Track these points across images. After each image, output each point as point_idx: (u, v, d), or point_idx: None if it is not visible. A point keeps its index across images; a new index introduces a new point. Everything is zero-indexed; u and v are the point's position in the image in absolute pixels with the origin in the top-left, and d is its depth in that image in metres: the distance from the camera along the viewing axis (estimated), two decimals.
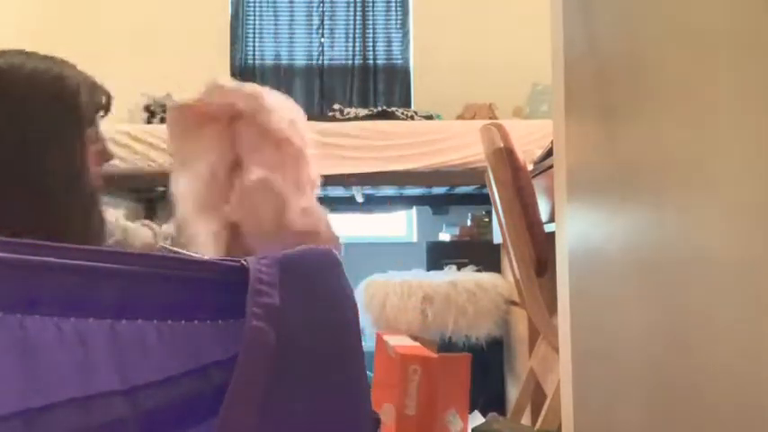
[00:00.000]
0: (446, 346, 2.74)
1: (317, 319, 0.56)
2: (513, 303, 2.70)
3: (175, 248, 0.97)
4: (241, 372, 0.51)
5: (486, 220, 3.55)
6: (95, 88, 1.02)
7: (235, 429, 0.51)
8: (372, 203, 3.88)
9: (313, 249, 0.59)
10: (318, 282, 0.58)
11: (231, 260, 0.56)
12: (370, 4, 4.31)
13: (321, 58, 4.30)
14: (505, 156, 1.61)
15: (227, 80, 1.14)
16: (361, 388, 0.58)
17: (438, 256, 3.40)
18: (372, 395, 1.55)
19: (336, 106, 3.72)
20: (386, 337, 1.57)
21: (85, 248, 0.52)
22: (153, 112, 3.40)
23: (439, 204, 3.99)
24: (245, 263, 0.55)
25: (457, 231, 3.66)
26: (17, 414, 0.46)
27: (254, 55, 4.27)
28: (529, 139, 2.78)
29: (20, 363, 0.47)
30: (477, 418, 1.67)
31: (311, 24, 4.31)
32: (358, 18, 4.30)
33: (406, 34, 4.31)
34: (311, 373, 0.55)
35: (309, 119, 3.46)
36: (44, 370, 0.48)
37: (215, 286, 0.55)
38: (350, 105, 3.95)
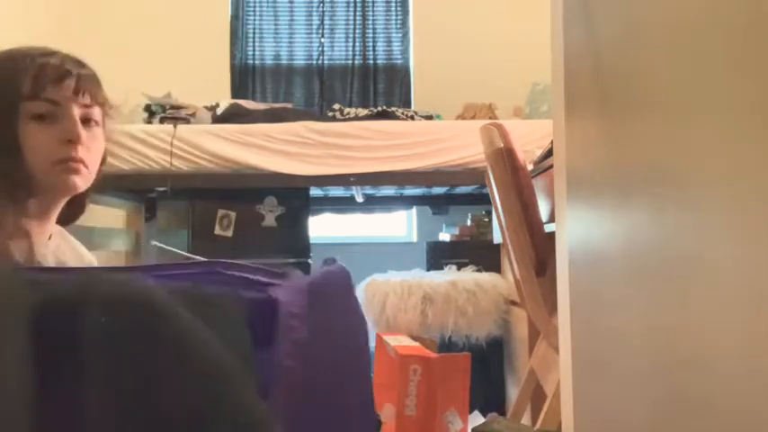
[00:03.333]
0: (446, 346, 2.74)
1: (336, 346, 0.61)
2: (513, 303, 2.70)
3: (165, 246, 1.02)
4: (270, 406, 0.55)
5: (486, 220, 3.55)
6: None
7: None
8: (372, 203, 3.88)
9: (333, 273, 0.64)
10: (340, 309, 0.63)
11: (260, 288, 0.60)
12: (370, 4, 4.31)
13: (321, 58, 4.29)
14: (505, 156, 1.60)
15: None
16: (369, 402, 0.65)
17: (438, 256, 3.40)
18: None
19: (336, 106, 3.72)
20: (386, 337, 1.57)
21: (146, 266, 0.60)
22: (153, 113, 3.39)
23: (439, 204, 3.99)
24: (273, 295, 0.58)
25: (457, 231, 3.66)
26: None
27: (254, 55, 4.27)
28: (529, 139, 2.77)
29: None
30: (477, 418, 1.67)
31: (311, 24, 4.31)
32: (358, 18, 4.30)
33: (406, 34, 4.31)
34: (328, 396, 0.60)
35: (309, 119, 3.47)
36: None
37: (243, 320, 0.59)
38: (350, 105, 3.95)
